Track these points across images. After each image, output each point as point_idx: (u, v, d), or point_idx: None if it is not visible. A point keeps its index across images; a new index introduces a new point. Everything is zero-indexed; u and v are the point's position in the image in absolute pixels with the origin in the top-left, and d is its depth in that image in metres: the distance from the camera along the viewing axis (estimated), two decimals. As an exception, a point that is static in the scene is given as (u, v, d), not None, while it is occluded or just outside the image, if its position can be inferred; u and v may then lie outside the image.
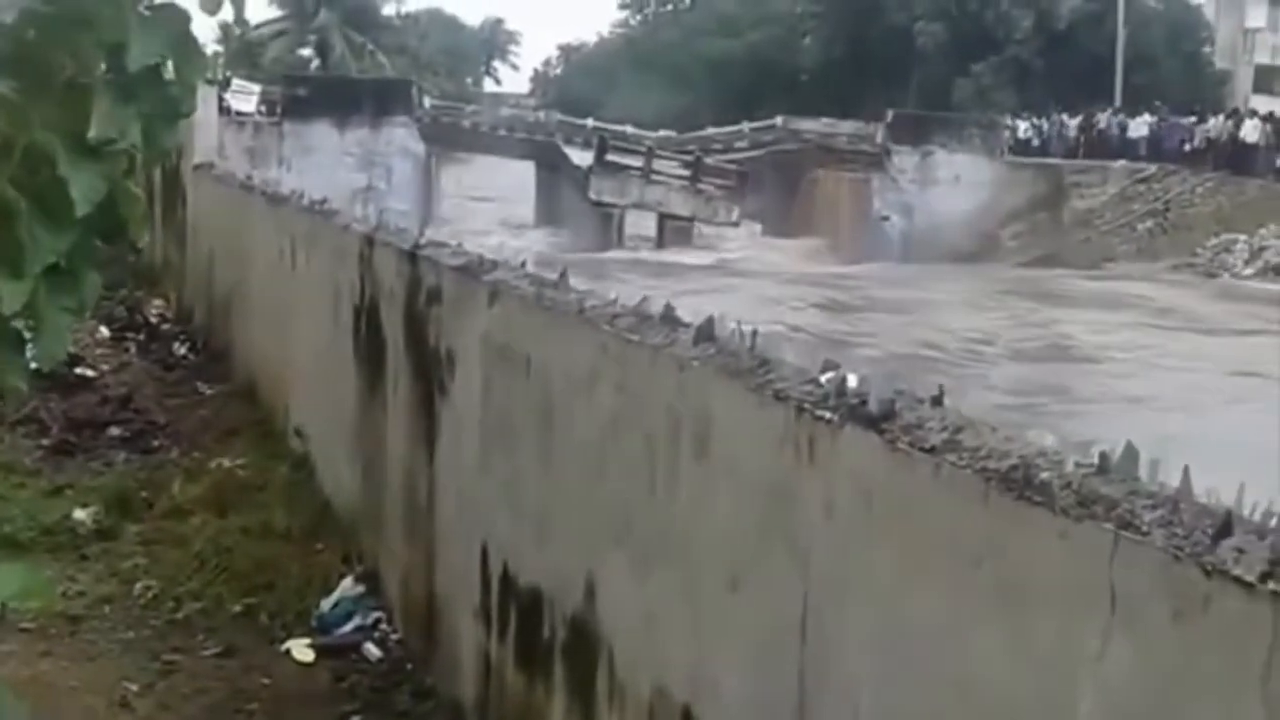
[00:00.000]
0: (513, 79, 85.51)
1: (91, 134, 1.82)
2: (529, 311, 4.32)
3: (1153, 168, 36.89)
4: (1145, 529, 1.88)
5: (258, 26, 57.36)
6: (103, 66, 1.85)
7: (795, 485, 2.82)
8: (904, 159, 38.24)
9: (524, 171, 45.64)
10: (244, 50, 53.58)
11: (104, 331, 11.11)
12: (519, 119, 46.42)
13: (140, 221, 2.16)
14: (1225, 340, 24.20)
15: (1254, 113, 39.35)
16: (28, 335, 1.94)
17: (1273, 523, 1.76)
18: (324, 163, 34.50)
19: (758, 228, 40.03)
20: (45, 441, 8.12)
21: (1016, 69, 49.56)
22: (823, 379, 2.89)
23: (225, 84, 35.28)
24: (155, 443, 8.40)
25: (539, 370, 4.24)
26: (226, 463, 7.61)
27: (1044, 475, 2.12)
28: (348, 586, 5.85)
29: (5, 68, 1.80)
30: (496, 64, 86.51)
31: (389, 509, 5.90)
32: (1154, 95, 44.00)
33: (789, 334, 17.90)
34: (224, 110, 30.11)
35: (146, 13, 1.86)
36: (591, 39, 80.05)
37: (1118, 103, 43.58)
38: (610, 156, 38.64)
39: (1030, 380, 19.82)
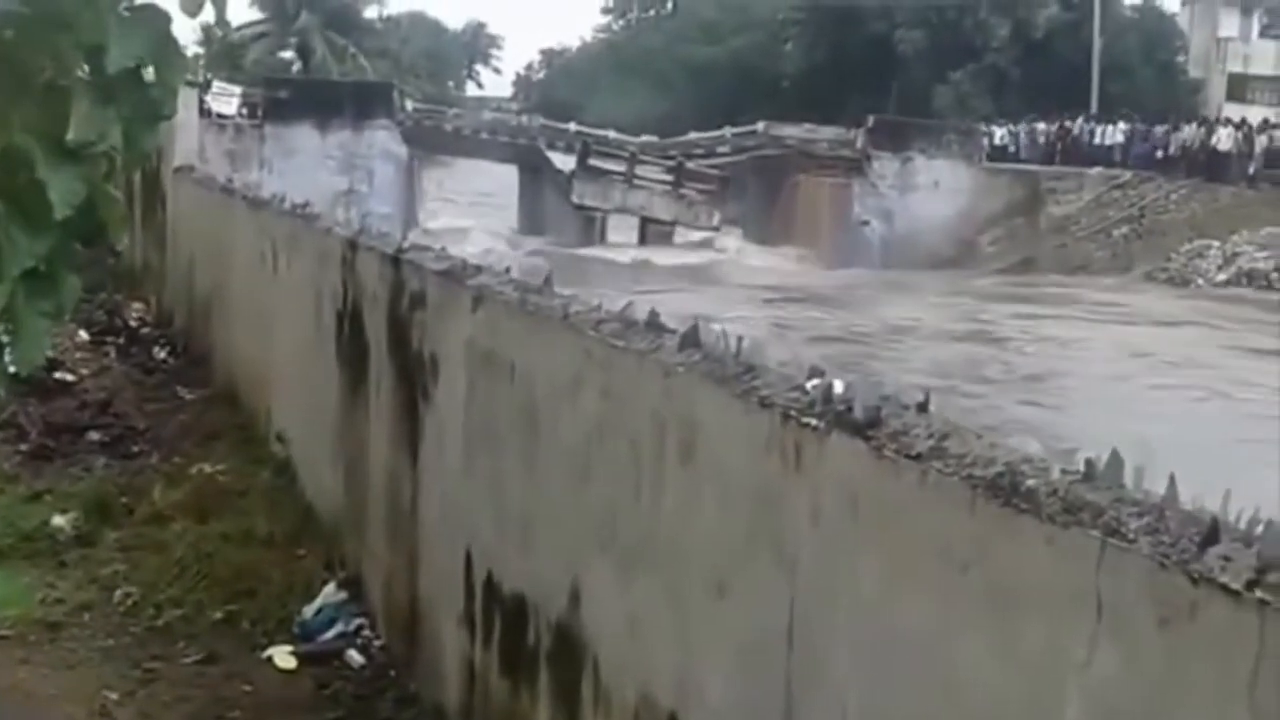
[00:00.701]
0: (495, 83, 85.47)
1: (70, 136, 1.81)
2: (513, 317, 4.32)
3: (1128, 174, 37.27)
4: (1131, 536, 1.89)
5: (239, 29, 57.12)
6: (82, 68, 1.83)
7: (781, 491, 2.83)
8: (884, 164, 38.40)
9: (506, 175, 45.61)
10: (225, 52, 53.34)
11: (83, 335, 11.03)
12: (501, 123, 46.38)
13: (119, 224, 2.14)
14: (1144, 329, 26.43)
15: (1227, 121, 39.76)
16: (5, 340, 1.92)
17: (1259, 530, 1.77)
18: (305, 165, 34.42)
19: (739, 232, 40.13)
20: (23, 447, 8.05)
21: (994, 76, 49.92)
22: (808, 386, 2.90)
23: (206, 86, 35.12)
24: (135, 448, 8.33)
25: (523, 375, 4.24)
26: (207, 468, 7.57)
27: (1030, 482, 2.14)
28: (330, 593, 5.83)
29: None
30: (479, 68, 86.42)
31: (372, 514, 5.88)
32: (1129, 103, 44.35)
33: (743, 319, 20.51)
34: (205, 113, 29.98)
35: (126, 14, 1.84)
36: (574, 43, 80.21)
37: (1094, 110, 43.92)
38: (593, 161, 38.73)
39: (943, 360, 22.21)
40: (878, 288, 31.70)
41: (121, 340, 11.58)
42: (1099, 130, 40.37)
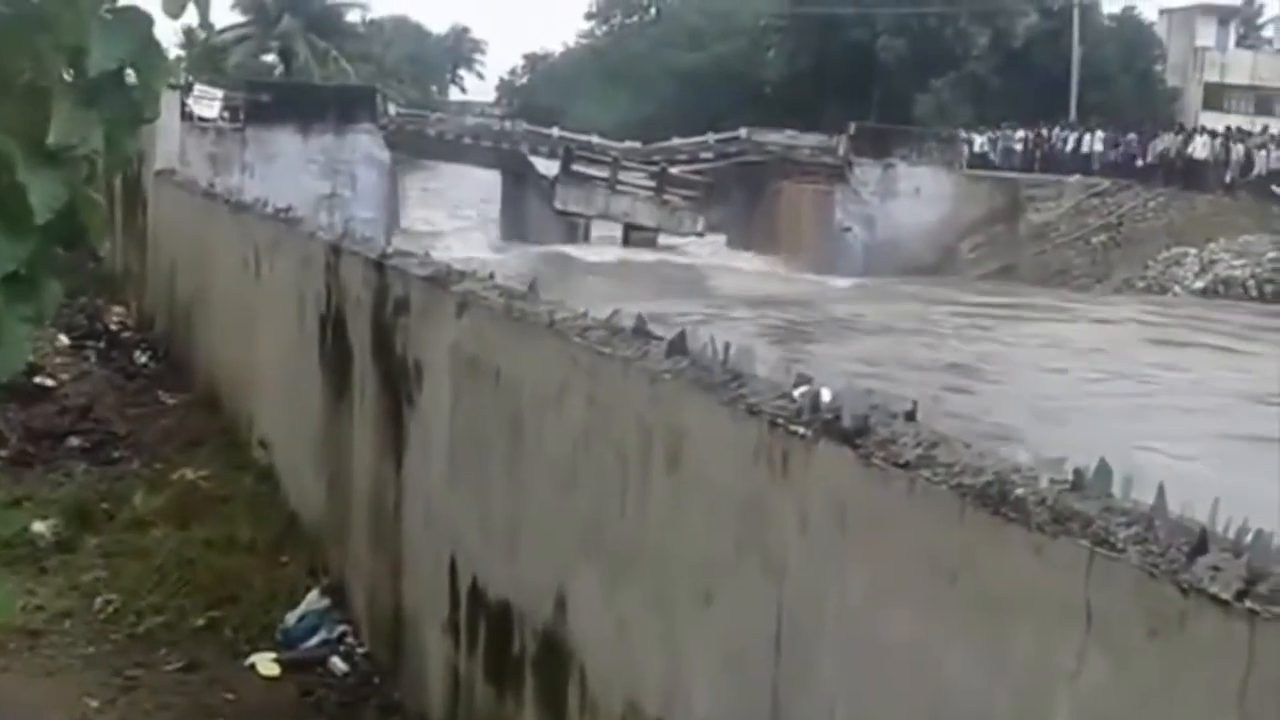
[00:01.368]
0: (478, 87, 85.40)
1: (51, 139, 1.79)
2: (498, 323, 4.31)
3: (1106, 183, 37.57)
4: (1120, 546, 1.90)
5: (221, 31, 56.91)
6: (63, 70, 1.82)
7: (769, 500, 2.83)
8: (866, 171, 38.54)
9: (490, 180, 45.58)
10: (207, 55, 53.15)
11: (63, 340, 10.97)
12: (485, 127, 46.33)
13: (101, 229, 2.13)
14: (1077, 326, 28.29)
15: (1203, 129, 40.08)
16: None
17: (1248, 540, 1.78)
18: (287, 169, 34.31)
19: (722, 239, 40.20)
20: (3, 452, 7.98)
21: (974, 85, 50.20)
22: (796, 394, 2.91)
23: (188, 89, 34.98)
24: (116, 453, 8.28)
25: (509, 382, 4.23)
26: (189, 474, 7.53)
27: (1019, 491, 2.14)
28: (313, 600, 5.80)
29: None
30: (462, 72, 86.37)
31: (355, 521, 5.86)
32: (1108, 111, 44.71)
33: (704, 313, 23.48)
34: (186, 116, 29.85)
35: (108, 16, 1.82)
36: (557, 49, 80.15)
37: (1073, 118, 44.22)
38: (576, 166, 38.75)
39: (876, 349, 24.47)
40: (857, 293, 32.29)
41: (102, 345, 11.52)
42: (1078, 138, 40.64)
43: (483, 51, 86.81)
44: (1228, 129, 39.99)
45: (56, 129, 1.80)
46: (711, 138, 42.68)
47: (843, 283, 34.32)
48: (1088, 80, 48.34)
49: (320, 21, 60.93)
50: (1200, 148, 37.81)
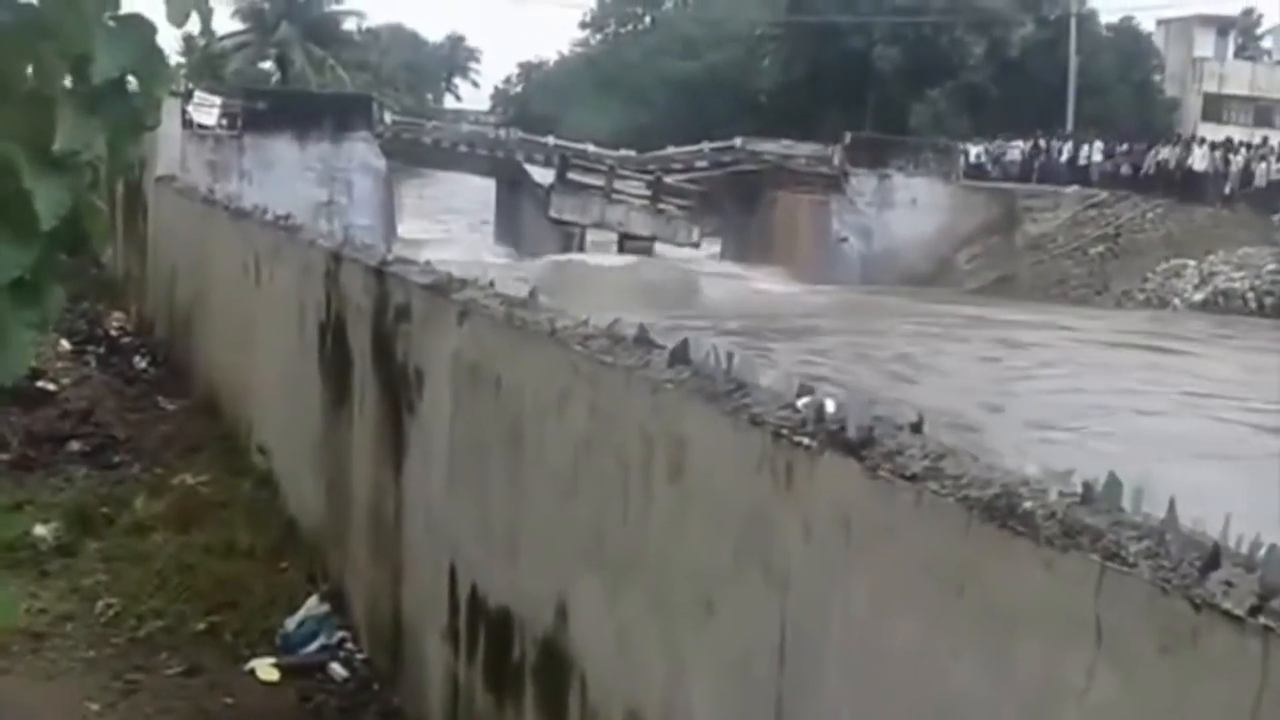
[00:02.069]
0: (473, 96, 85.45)
1: (56, 146, 1.79)
2: (499, 331, 4.32)
3: (1104, 194, 37.57)
4: (1131, 560, 1.91)
5: (220, 39, 56.96)
6: (67, 78, 1.83)
7: (772, 510, 2.83)
8: (862, 181, 38.60)
9: (485, 188, 45.59)
10: (205, 62, 53.15)
11: (64, 345, 10.97)
12: (480, 135, 46.35)
13: (104, 235, 2.13)
14: (1022, 330, 29.53)
15: (1202, 140, 40.12)
16: None
17: (1261, 554, 1.79)
18: (285, 177, 34.32)
19: (717, 248, 40.22)
20: (4, 456, 7.98)
21: (970, 94, 50.27)
22: (800, 404, 2.91)
23: (188, 96, 34.98)
24: (116, 458, 8.28)
25: (510, 390, 4.24)
26: (189, 479, 7.53)
27: (1027, 505, 2.15)
28: (313, 605, 5.80)
29: None
30: (457, 80, 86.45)
31: (355, 528, 5.86)
32: (1105, 122, 44.77)
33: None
34: (186, 123, 29.86)
35: (111, 24, 1.83)
36: (552, 57, 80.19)
37: (1070, 129, 44.28)
38: (571, 175, 38.76)
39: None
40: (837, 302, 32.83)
41: (102, 350, 11.52)
42: (1075, 148, 40.70)
43: (478, 60, 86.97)
44: (1227, 140, 40.04)
45: (61, 136, 1.81)
46: (707, 147, 42.70)
47: (826, 291, 34.43)
48: (1085, 90, 48.44)
49: (317, 29, 61.00)
50: (1199, 159, 37.85)
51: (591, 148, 41.86)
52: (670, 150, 42.98)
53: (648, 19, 70.31)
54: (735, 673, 2.97)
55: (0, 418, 7.97)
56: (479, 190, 47.38)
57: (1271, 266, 33.85)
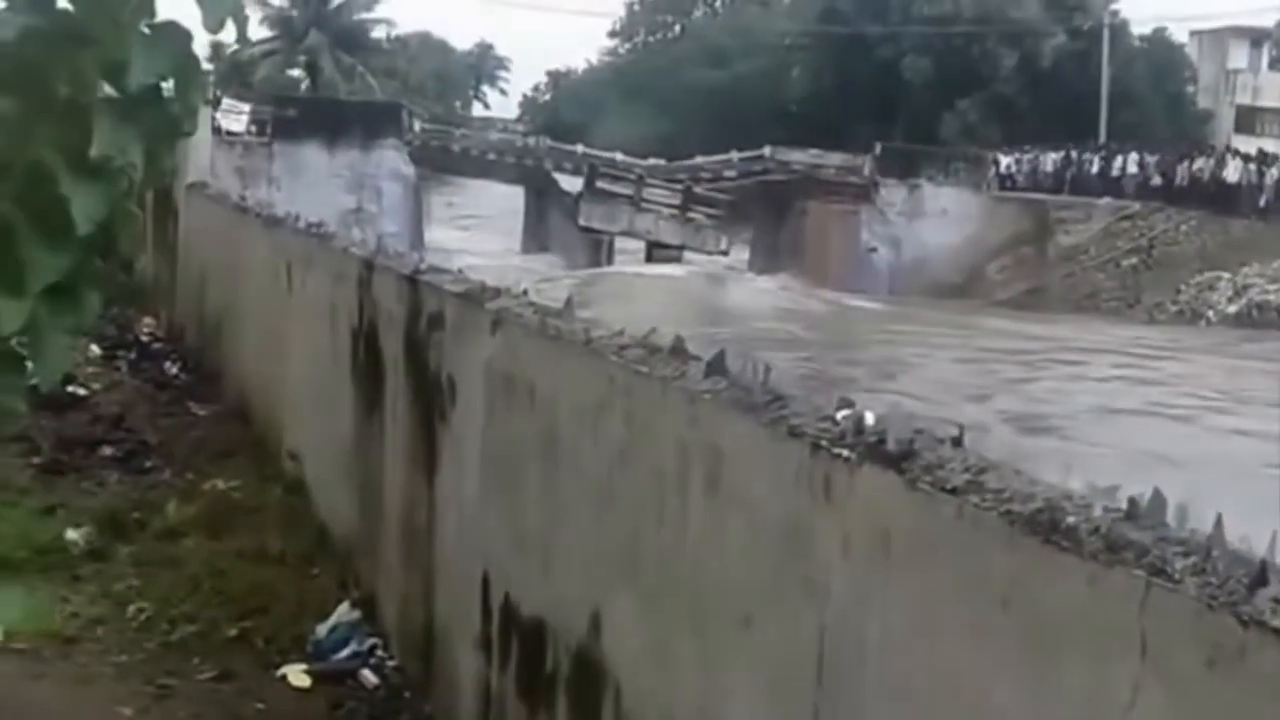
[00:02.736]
0: (501, 104, 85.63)
1: (93, 153, 1.81)
2: (533, 340, 4.32)
3: (1137, 205, 37.27)
4: (1178, 576, 1.89)
5: (247, 45, 57.34)
6: (104, 85, 1.84)
7: (811, 523, 2.82)
8: (892, 191, 38.53)
9: (511, 195, 45.75)
10: (234, 69, 53.55)
11: (95, 350, 11.05)
12: (508, 144, 46.54)
13: (137, 241, 2.15)
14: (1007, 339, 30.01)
15: (1236, 152, 39.79)
16: (28, 355, 1.92)
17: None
18: (313, 183, 34.57)
19: (745, 257, 40.18)
20: (37, 460, 8.03)
21: (1002, 105, 50.01)
22: (839, 416, 2.90)
23: (217, 103, 35.27)
24: (148, 463, 8.33)
25: (544, 399, 4.24)
26: (220, 484, 7.57)
27: (1071, 519, 2.14)
28: (344, 612, 5.82)
29: (5, 85, 1.78)
30: (485, 88, 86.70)
31: (386, 535, 5.88)
32: (1138, 133, 44.44)
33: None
34: (214, 130, 30.07)
35: (147, 31, 1.84)
36: (580, 66, 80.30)
37: (1102, 140, 43.99)
38: (600, 183, 38.88)
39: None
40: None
41: (133, 355, 11.60)
42: (1108, 160, 40.39)
43: (506, 68, 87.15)
44: (1260, 152, 39.68)
45: (98, 143, 1.82)
46: (736, 156, 42.72)
47: (860, 302, 34.34)
48: (1117, 101, 48.09)
49: (346, 37, 61.30)
50: (1233, 171, 37.54)
51: (620, 156, 41.96)
52: (699, 159, 43.03)
53: (677, 28, 70.32)
54: (772, 687, 2.96)
55: (32, 422, 8.02)
56: (506, 198, 47.51)
57: (1307, 280, 33.54)
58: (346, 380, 6.58)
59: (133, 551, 6.67)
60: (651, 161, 42.58)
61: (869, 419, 2.81)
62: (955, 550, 2.37)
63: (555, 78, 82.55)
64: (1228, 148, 42.12)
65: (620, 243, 39.78)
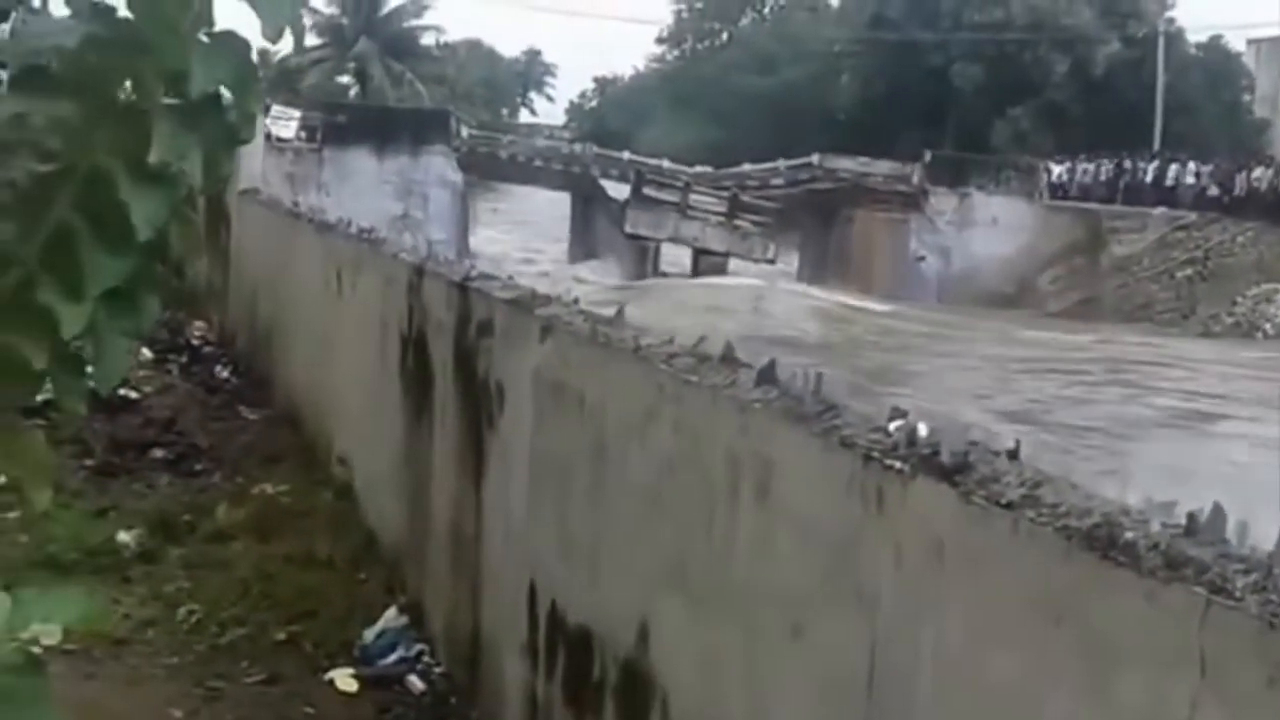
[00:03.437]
0: (548, 110, 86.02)
1: (152, 158, 1.83)
2: (583, 348, 4.32)
3: (1193, 215, 36.65)
4: (1238, 594, 1.86)
5: (296, 53, 57.97)
6: (163, 93, 1.86)
7: (862, 534, 2.80)
8: (941, 200, 38.24)
9: (557, 202, 45.90)
10: (282, 76, 54.16)
11: (147, 353, 11.18)
12: (555, 150, 46.70)
13: (196, 247, 2.18)
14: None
15: (1296, 162, 39.10)
16: (87, 358, 1.95)
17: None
18: (362, 189, 34.84)
19: (793, 266, 40.03)
20: (89, 462, 8.14)
21: (1054, 113, 49.53)
22: (891, 427, 2.88)
23: (266, 110, 35.68)
24: (198, 466, 8.42)
25: (593, 407, 4.24)
26: (269, 488, 7.64)
27: (1129, 535, 2.11)
28: (391, 617, 5.85)
29: (67, 91, 1.81)
30: (533, 95, 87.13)
31: (434, 541, 5.90)
32: (1193, 142, 43.82)
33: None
34: (265, 136, 30.41)
35: (206, 40, 1.86)
36: (627, 72, 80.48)
37: (1156, 148, 43.41)
38: (647, 190, 38.90)
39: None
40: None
41: (184, 359, 11.73)
42: (1162, 169, 39.80)
43: (553, 75, 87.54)
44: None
45: (158, 149, 1.84)
46: (783, 164, 42.61)
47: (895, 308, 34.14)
48: (1172, 110, 47.44)
49: (396, 44, 61.83)
50: (1293, 182, 36.88)
51: (667, 163, 42.00)
52: (746, 167, 42.96)
53: (725, 35, 70.29)
54: (822, 700, 2.94)
55: (85, 425, 8.13)
56: (551, 204, 47.69)
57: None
58: (395, 386, 6.62)
59: (183, 554, 6.74)
60: (698, 169, 42.58)
61: (922, 430, 2.79)
62: (1010, 564, 2.35)
63: (602, 84, 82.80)
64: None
65: (665, 249, 39.78)
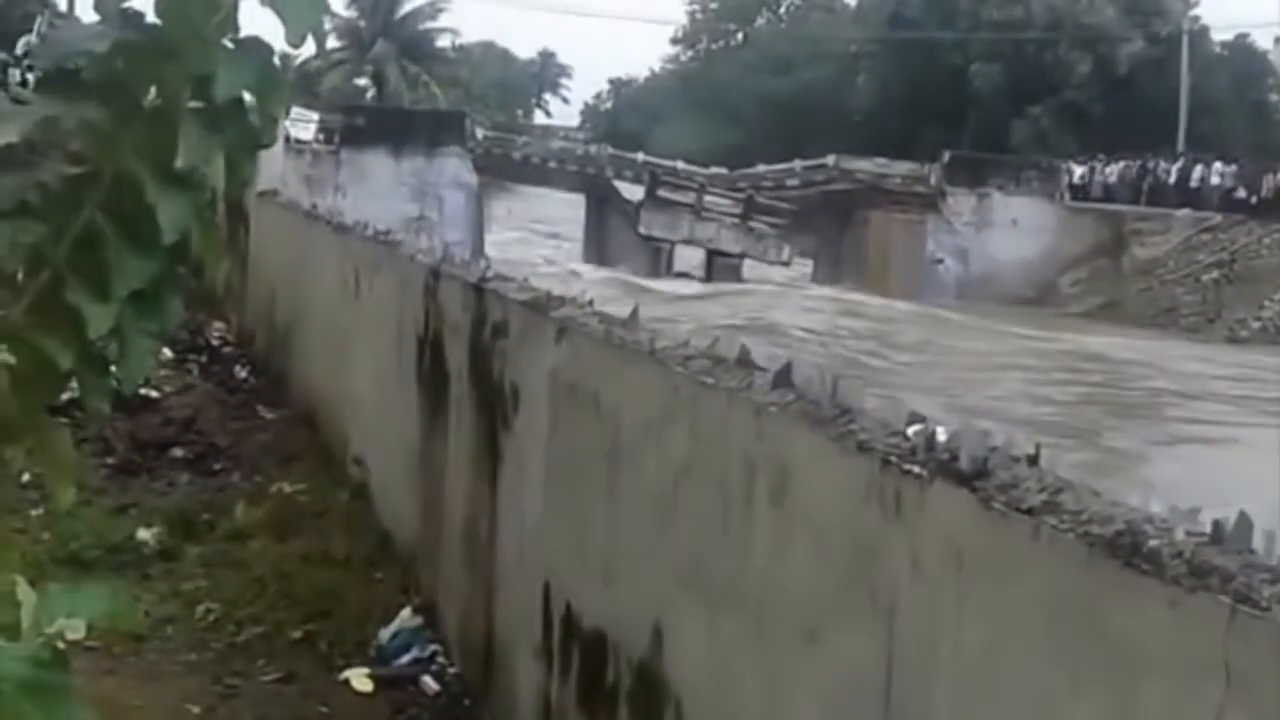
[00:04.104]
0: (563, 112, 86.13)
1: (179, 163, 1.84)
2: (598, 349, 4.31)
3: (1218, 217, 36.04)
4: (1264, 604, 1.84)
5: (316, 56, 58.17)
6: (189, 97, 1.88)
7: (879, 539, 2.78)
8: (959, 201, 38.03)
9: (571, 203, 45.91)
10: (300, 78, 54.34)
11: (167, 353, 11.23)
12: (569, 152, 46.71)
13: (218, 250, 2.19)
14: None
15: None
16: (112, 358, 1.96)
17: None
18: (378, 191, 34.88)
19: (808, 268, 39.89)
20: (111, 460, 8.19)
21: (1075, 113, 49.16)
22: (909, 432, 2.86)
23: (286, 112, 35.74)
24: (217, 465, 8.46)
25: (608, 409, 4.23)
26: (287, 488, 7.67)
27: (1153, 543, 2.08)
28: (406, 617, 5.85)
29: (95, 95, 1.82)
30: (547, 97, 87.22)
31: (448, 542, 5.90)
32: (1218, 142, 43.43)
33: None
34: (284, 138, 30.52)
35: (231, 45, 1.88)
36: (642, 74, 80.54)
37: (1180, 149, 43.01)
38: (661, 192, 38.85)
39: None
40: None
41: (204, 359, 11.78)
42: (1187, 170, 39.30)
43: (568, 76, 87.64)
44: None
45: (184, 153, 1.86)
46: (799, 165, 42.49)
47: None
48: (1196, 110, 46.94)
49: (412, 46, 62.00)
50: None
51: (681, 165, 41.93)
52: (761, 168, 42.86)
53: (740, 36, 70.25)
54: (838, 705, 2.92)
55: (106, 423, 8.18)
56: (565, 205, 47.71)
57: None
58: (411, 387, 6.63)
59: (201, 552, 6.77)
60: (713, 170, 42.50)
61: (941, 435, 2.77)
62: (1031, 571, 2.33)
63: (617, 85, 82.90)
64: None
65: (679, 251, 39.70)
